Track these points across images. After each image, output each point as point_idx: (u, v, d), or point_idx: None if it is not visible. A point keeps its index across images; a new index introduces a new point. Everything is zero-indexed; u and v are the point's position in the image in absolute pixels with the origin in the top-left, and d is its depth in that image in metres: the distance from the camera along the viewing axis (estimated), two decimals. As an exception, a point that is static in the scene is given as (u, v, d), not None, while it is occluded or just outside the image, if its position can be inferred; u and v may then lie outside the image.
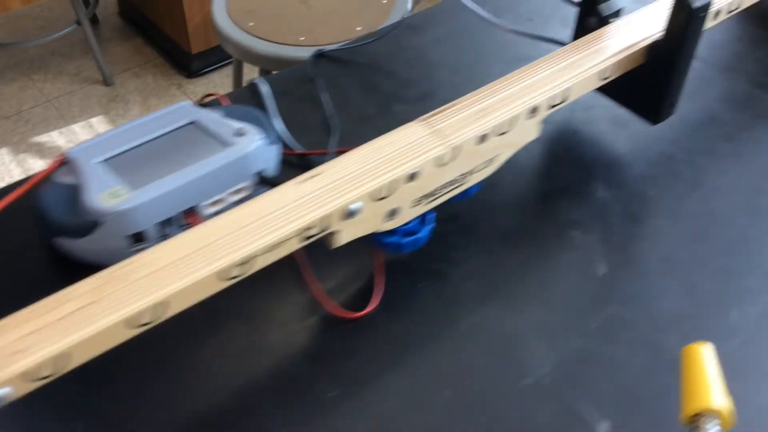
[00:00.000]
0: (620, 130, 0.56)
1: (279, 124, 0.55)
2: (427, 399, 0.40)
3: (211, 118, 0.49)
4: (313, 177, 0.40)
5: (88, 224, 0.43)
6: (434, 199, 0.44)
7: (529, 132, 0.46)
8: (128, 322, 0.33)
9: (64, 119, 2.08)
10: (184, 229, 0.42)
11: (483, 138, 0.43)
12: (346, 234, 0.40)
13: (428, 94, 0.59)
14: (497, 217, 0.50)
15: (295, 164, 0.53)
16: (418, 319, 0.44)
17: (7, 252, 0.46)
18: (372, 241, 0.44)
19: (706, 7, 0.46)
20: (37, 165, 1.99)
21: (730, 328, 0.43)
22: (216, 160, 0.45)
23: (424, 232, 0.45)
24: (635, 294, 0.45)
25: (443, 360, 0.42)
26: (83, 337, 0.32)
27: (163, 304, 0.34)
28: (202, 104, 0.56)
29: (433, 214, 0.45)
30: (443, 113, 0.44)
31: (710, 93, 0.59)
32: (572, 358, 0.42)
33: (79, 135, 2.02)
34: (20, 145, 2.02)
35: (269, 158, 0.48)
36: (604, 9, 0.51)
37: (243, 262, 0.36)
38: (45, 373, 0.32)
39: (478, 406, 0.39)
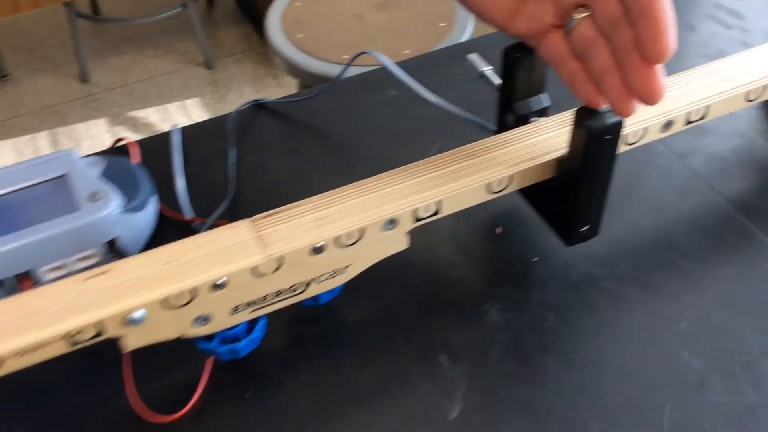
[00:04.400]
0: (544, 241, 0.48)
1: (181, 183, 0.52)
2: None
3: (82, 174, 0.46)
4: (102, 273, 0.37)
5: None
6: (263, 307, 0.39)
7: (389, 244, 0.40)
8: None
9: (162, 98, 2.17)
10: (14, 293, 0.39)
11: (319, 249, 0.38)
12: (135, 340, 0.37)
13: (349, 166, 0.54)
14: (361, 327, 0.44)
15: (183, 228, 0.50)
16: (228, 434, 0.40)
17: None
18: (194, 343, 0.40)
19: (610, 129, 0.37)
20: (131, 138, 2.07)
21: None
22: (60, 223, 0.43)
23: (247, 342, 0.40)
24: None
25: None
26: None
27: None
28: (103, 152, 0.54)
29: (263, 320, 0.41)
30: (278, 215, 0.39)
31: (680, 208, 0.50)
32: None
33: (172, 115, 2.10)
34: (117, 118, 2.12)
35: (128, 226, 0.45)
36: (521, 107, 0.43)
37: (-13, 365, 0.33)
38: None
39: None
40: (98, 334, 0.35)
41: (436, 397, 0.41)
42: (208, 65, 2.25)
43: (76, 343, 0.35)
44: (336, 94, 0.61)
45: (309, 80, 1.12)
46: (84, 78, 2.22)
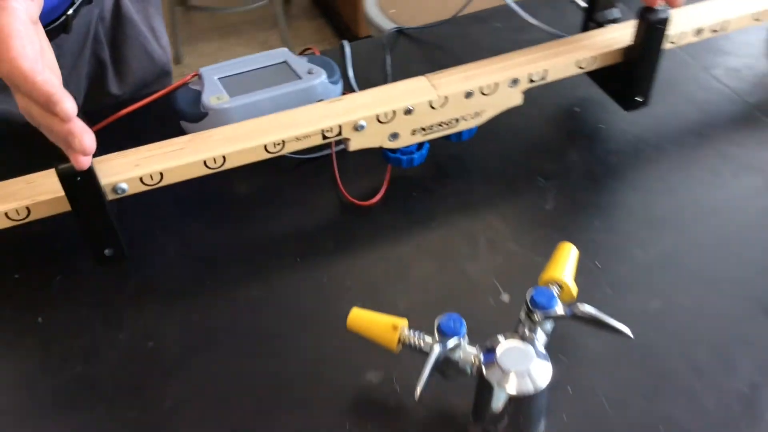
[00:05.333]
0: (608, 112, 0.70)
1: (350, 72, 0.75)
2: (405, 263, 0.58)
3: (298, 61, 0.69)
4: (339, 101, 0.59)
5: (201, 115, 0.65)
6: (429, 133, 0.62)
7: (511, 98, 0.62)
8: (204, 162, 0.55)
9: (245, 79, 2.42)
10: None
11: (469, 94, 0.60)
12: (356, 143, 0.59)
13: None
14: (483, 158, 0.66)
15: (356, 105, 0.73)
16: (404, 215, 0.62)
17: (161, 123, 0.69)
18: (383, 155, 0.63)
19: (663, 22, 0.59)
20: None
21: (645, 255, 0.57)
22: (289, 86, 0.66)
23: (418, 155, 0.62)
24: (571, 224, 0.60)
25: (415, 242, 0.60)
26: (174, 164, 0.54)
27: (225, 156, 0.55)
28: (300, 53, 0.77)
29: (427, 145, 0.63)
30: (444, 73, 0.61)
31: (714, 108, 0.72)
32: (507, 258, 0.58)
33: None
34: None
35: (331, 92, 0.68)
36: (599, 17, 0.65)
37: (278, 143, 0.56)
38: (149, 182, 0.54)
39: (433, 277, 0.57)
40: (339, 133, 0.58)
41: (537, 200, 0.63)
42: (287, 53, 2.51)
43: (326, 138, 0.58)
44: (457, 26, 0.83)
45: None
46: (178, 60, 2.49)
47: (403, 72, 0.74)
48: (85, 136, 0.45)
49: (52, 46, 0.70)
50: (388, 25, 1.37)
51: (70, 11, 0.75)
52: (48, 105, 0.43)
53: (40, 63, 0.44)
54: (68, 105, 0.43)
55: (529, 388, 0.43)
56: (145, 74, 0.89)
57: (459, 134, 0.64)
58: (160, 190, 0.55)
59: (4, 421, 0.49)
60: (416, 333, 0.47)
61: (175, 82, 0.71)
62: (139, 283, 0.57)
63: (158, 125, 0.67)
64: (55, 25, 0.74)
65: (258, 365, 0.52)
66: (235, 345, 0.53)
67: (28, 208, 0.51)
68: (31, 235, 0.57)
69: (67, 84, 0.86)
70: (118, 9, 0.82)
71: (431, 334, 0.46)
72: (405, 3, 1.43)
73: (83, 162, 0.47)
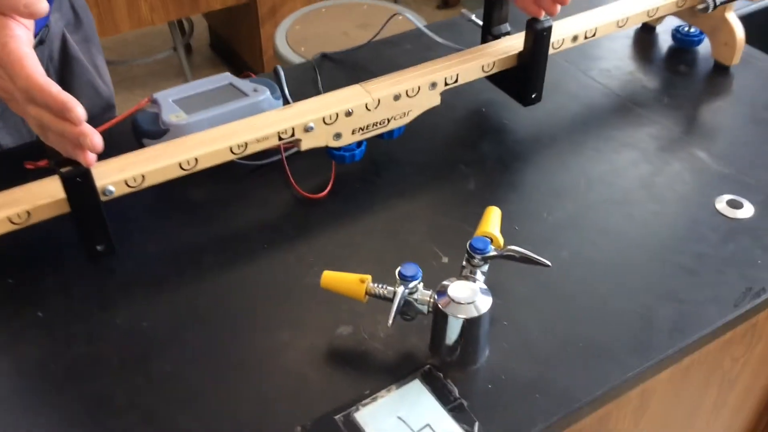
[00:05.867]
0: (508, 110, 0.83)
1: (286, 90, 0.85)
2: (357, 241, 0.68)
3: (241, 82, 0.79)
4: (289, 108, 0.70)
5: (162, 132, 0.73)
6: (366, 132, 0.73)
7: (431, 99, 0.74)
8: (179, 164, 0.63)
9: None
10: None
11: (397, 97, 0.72)
12: (306, 143, 0.69)
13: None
14: (412, 153, 0.78)
15: (295, 118, 0.83)
16: (351, 203, 0.72)
17: (119, 141, 0.76)
18: (328, 153, 0.73)
19: (547, 29, 0.73)
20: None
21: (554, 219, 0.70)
22: (238, 103, 0.75)
23: (359, 152, 0.73)
24: (491, 199, 0.72)
25: (363, 224, 0.70)
26: (154, 167, 0.62)
27: (197, 158, 0.64)
28: (239, 77, 0.86)
29: (365, 143, 0.74)
30: (375, 81, 0.73)
31: (597, 102, 0.86)
32: (442, 229, 0.69)
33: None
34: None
35: (275, 107, 0.78)
36: (495, 31, 0.79)
37: (241, 145, 0.65)
38: (133, 184, 0.62)
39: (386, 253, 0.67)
40: (292, 134, 0.68)
41: (461, 183, 0.74)
42: (192, 100, 2.58)
43: (281, 139, 0.67)
44: (373, 50, 0.95)
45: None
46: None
47: (332, 89, 0.85)
48: (95, 136, 0.53)
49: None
50: (299, 61, 1.48)
51: (30, 50, 0.82)
52: (63, 111, 0.51)
53: (47, 77, 0.52)
54: (80, 110, 0.51)
55: (475, 313, 0.54)
56: (93, 108, 0.96)
57: (390, 133, 0.75)
58: (130, 197, 0.63)
59: (24, 399, 0.55)
60: (380, 284, 0.57)
61: (127, 110, 0.79)
62: (126, 275, 0.64)
63: (117, 148, 0.75)
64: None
65: (242, 334, 0.60)
66: (220, 319, 0.61)
67: (28, 212, 0.58)
68: (17, 243, 0.63)
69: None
70: (65, 49, 0.90)
71: (391, 287, 0.56)
72: (313, 41, 1.55)
73: (91, 159, 0.54)
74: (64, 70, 0.90)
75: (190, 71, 2.56)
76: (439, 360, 0.58)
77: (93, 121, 0.96)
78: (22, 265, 0.65)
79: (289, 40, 1.56)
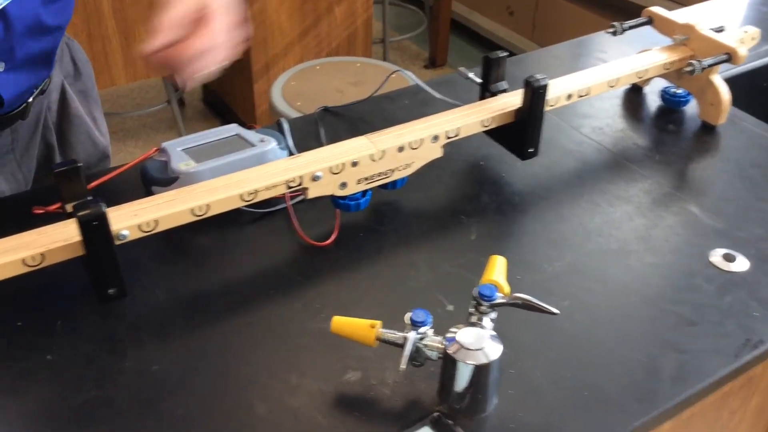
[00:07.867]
0: (505, 164, 0.86)
1: (290, 141, 0.87)
2: (363, 288, 0.69)
3: (248, 133, 0.81)
4: (298, 158, 0.72)
5: (171, 179, 0.75)
6: (371, 182, 0.75)
7: (433, 151, 0.77)
8: (191, 211, 0.64)
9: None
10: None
11: (401, 148, 0.74)
12: (313, 191, 0.71)
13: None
14: (415, 203, 0.80)
15: (299, 169, 0.85)
16: (356, 251, 0.74)
17: (127, 189, 0.77)
18: (333, 202, 0.75)
19: (543, 87, 0.77)
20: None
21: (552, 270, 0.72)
22: (246, 152, 0.77)
23: (363, 201, 0.75)
24: (492, 248, 0.74)
25: (368, 271, 0.71)
26: (166, 213, 0.63)
27: (209, 205, 0.65)
28: (246, 127, 0.89)
29: (370, 193, 0.76)
30: (380, 132, 0.75)
31: (591, 158, 0.90)
32: (446, 277, 0.71)
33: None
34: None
35: (280, 157, 0.80)
36: (493, 88, 0.82)
37: (251, 193, 0.67)
38: (146, 229, 0.63)
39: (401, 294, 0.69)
40: (300, 183, 0.70)
41: (462, 232, 0.76)
42: (182, 153, 2.60)
43: (290, 187, 0.69)
44: (372, 104, 0.98)
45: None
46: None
47: (334, 141, 0.87)
48: None
49: (10, 132, 0.82)
50: (294, 115, 1.51)
51: (30, 99, 0.84)
52: None
53: None
54: None
55: (485, 360, 0.55)
56: (89, 157, 0.98)
57: (394, 183, 0.77)
58: (138, 244, 0.64)
59: (32, 441, 0.55)
60: (389, 330, 0.58)
61: (136, 159, 0.80)
62: (135, 319, 0.65)
63: (126, 195, 0.76)
64: (15, 112, 0.83)
65: (251, 378, 0.60)
66: (229, 363, 0.62)
67: (42, 255, 0.59)
68: (26, 285, 0.63)
69: (20, 165, 0.96)
70: (63, 100, 0.92)
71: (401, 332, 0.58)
72: (307, 96, 1.59)
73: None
74: (61, 119, 0.92)
75: (183, 124, 2.58)
76: (447, 407, 0.59)
77: (89, 170, 0.99)
78: (31, 307, 0.65)
79: (285, 94, 1.59)
